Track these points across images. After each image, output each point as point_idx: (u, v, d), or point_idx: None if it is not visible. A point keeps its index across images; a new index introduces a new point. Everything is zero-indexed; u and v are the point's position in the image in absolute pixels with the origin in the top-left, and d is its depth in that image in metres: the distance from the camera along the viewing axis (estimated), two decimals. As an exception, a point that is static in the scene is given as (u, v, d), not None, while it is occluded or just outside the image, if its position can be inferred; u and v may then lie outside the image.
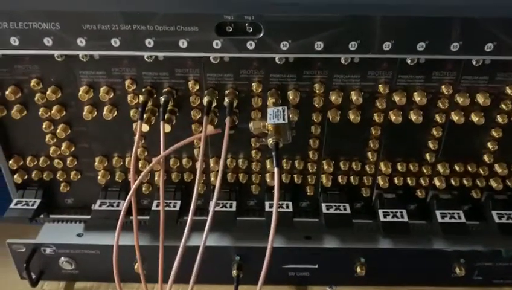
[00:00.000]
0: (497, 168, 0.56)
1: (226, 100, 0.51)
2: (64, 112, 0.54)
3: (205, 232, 0.44)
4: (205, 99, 0.50)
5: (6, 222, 0.58)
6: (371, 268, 0.60)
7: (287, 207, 0.58)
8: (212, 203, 0.44)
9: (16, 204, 0.59)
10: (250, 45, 0.47)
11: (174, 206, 0.58)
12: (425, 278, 0.62)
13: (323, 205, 0.58)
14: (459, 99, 0.51)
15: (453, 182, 0.58)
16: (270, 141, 0.45)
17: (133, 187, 0.47)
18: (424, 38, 0.46)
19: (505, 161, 0.56)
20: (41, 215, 0.61)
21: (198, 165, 0.45)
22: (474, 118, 0.52)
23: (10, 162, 0.58)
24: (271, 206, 0.58)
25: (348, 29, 0.46)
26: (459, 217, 0.58)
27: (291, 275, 0.62)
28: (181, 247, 0.44)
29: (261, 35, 0.46)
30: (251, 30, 0.47)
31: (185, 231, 0.44)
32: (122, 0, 0.46)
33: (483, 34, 0.46)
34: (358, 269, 0.60)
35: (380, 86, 0.51)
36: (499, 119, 0.53)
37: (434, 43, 0.47)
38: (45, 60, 0.50)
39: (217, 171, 0.56)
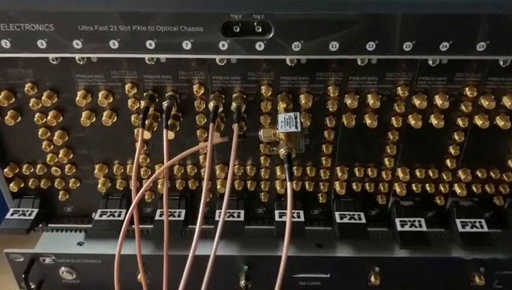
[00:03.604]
0: None
1: (234, 105, 0.48)
2: (61, 118, 0.52)
3: (214, 245, 0.41)
4: (211, 104, 0.48)
5: (3, 233, 0.56)
6: (385, 277, 0.59)
7: (298, 216, 0.55)
8: (221, 215, 0.42)
9: (12, 214, 0.57)
10: (260, 45, 0.44)
11: (179, 216, 0.56)
12: (443, 288, 0.60)
13: (337, 213, 0.56)
14: (484, 102, 0.48)
15: (474, 189, 0.55)
16: (282, 151, 0.42)
17: (134, 200, 0.45)
18: (447, 38, 0.43)
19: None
20: (39, 225, 0.59)
21: (204, 182, 0.42)
22: (500, 122, 0.49)
23: (5, 170, 0.56)
24: (281, 215, 0.56)
25: (366, 28, 0.43)
26: (481, 226, 0.55)
27: (302, 285, 0.61)
28: (189, 259, 0.42)
29: (271, 35, 0.44)
30: (260, 30, 0.44)
31: (193, 244, 0.42)
32: None
33: (513, 32, 0.43)
34: (373, 279, 0.58)
35: (398, 88, 0.48)
36: None
37: (458, 43, 0.43)
38: (40, 63, 0.48)
39: (224, 178, 0.54)
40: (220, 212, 0.55)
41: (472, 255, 0.57)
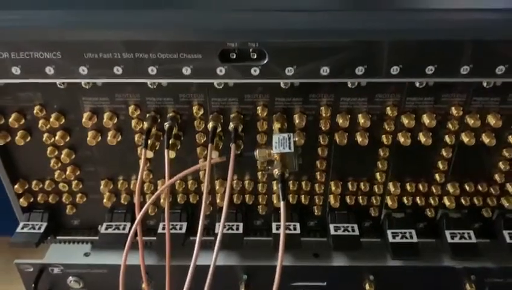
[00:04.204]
0: (510, 188, 0.55)
1: (231, 125, 0.50)
2: (68, 138, 0.54)
3: (213, 258, 0.44)
4: (210, 125, 0.50)
5: (13, 247, 0.58)
6: (380, 286, 0.60)
7: (295, 229, 0.57)
8: (220, 228, 0.44)
9: (22, 228, 0.59)
10: (255, 70, 0.46)
11: (180, 229, 0.58)
12: None
13: (331, 225, 0.58)
14: (470, 121, 0.50)
15: (463, 201, 0.57)
16: (276, 171, 0.45)
17: (138, 216, 0.47)
18: (433, 62, 0.45)
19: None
20: (48, 238, 0.61)
21: (203, 200, 0.45)
22: (486, 139, 0.51)
23: (16, 186, 0.57)
24: (278, 227, 0.57)
25: (355, 54, 0.45)
26: (469, 237, 0.57)
27: None
28: (190, 269, 0.44)
29: (266, 61, 0.45)
30: (255, 56, 0.45)
31: (193, 258, 0.44)
32: (123, 28, 0.46)
33: (494, 56, 0.45)
34: (367, 287, 0.60)
35: (388, 108, 0.50)
36: (511, 140, 0.52)
37: (443, 67, 0.45)
38: (48, 88, 0.50)
39: (223, 192, 0.56)
40: (218, 224, 0.58)
41: (462, 264, 0.59)
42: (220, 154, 0.50)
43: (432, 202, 0.57)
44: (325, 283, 0.61)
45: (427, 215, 0.59)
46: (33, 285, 0.60)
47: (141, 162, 0.50)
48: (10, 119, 0.52)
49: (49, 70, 0.47)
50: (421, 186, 0.56)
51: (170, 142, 0.50)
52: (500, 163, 0.54)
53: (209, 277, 0.44)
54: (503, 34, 0.44)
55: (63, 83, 0.49)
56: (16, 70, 0.47)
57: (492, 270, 0.59)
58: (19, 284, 0.61)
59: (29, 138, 0.54)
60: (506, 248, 0.57)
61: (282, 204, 0.43)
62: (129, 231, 0.51)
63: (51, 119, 0.52)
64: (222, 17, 0.46)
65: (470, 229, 0.58)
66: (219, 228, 0.44)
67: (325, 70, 0.46)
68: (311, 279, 0.61)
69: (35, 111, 0.52)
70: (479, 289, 0.60)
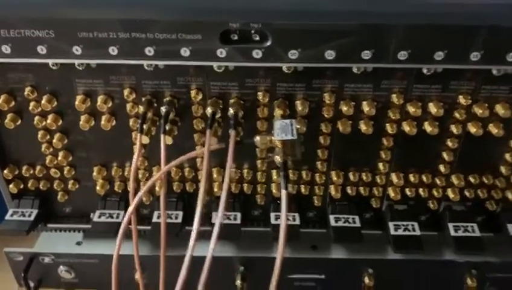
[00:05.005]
0: None
1: (231, 111, 0.49)
2: (61, 121, 0.53)
3: (210, 250, 0.42)
4: (208, 110, 0.49)
5: (2, 234, 0.57)
6: (379, 279, 0.60)
7: (294, 219, 0.56)
8: (217, 218, 0.42)
9: (11, 215, 0.58)
10: (257, 53, 0.45)
11: (176, 218, 0.57)
12: (436, 289, 0.61)
13: (331, 216, 0.57)
14: (478, 110, 0.49)
15: (467, 193, 0.56)
16: (278, 159, 0.43)
17: (132, 205, 0.45)
18: (442, 48, 0.44)
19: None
20: (39, 225, 0.60)
21: (200, 189, 0.43)
22: (493, 129, 0.50)
23: (5, 171, 0.57)
24: (276, 218, 0.57)
25: (362, 38, 0.44)
26: (473, 231, 0.56)
27: (296, 285, 0.62)
28: (186, 261, 0.43)
29: (269, 43, 0.44)
30: (258, 38, 0.44)
31: (189, 248, 0.43)
32: (120, 6, 0.44)
33: (506, 43, 0.44)
34: (367, 280, 0.59)
35: (393, 96, 0.49)
36: None
37: (453, 53, 0.44)
38: (39, 68, 0.49)
39: (221, 181, 0.55)
40: (215, 214, 0.56)
41: (464, 258, 0.58)
42: (218, 141, 0.48)
43: (436, 193, 0.56)
44: (323, 276, 0.61)
45: (430, 208, 0.58)
46: (23, 274, 0.59)
47: (136, 148, 0.48)
48: None
49: (41, 49, 0.45)
50: (424, 178, 0.55)
51: (167, 127, 0.49)
52: (507, 155, 0.53)
53: (205, 267, 0.43)
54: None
55: (56, 64, 0.48)
56: (5, 48, 0.45)
57: (494, 265, 0.59)
58: (8, 272, 0.61)
59: (19, 121, 0.53)
60: (510, 242, 0.56)
61: (283, 193, 0.41)
62: (123, 220, 0.50)
63: (43, 102, 0.51)
64: None
65: (474, 222, 0.57)
66: (217, 218, 0.43)
67: (330, 54, 0.44)
68: (309, 271, 0.61)
69: (26, 93, 0.51)
70: (480, 284, 0.59)
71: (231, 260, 0.59)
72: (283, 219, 0.40)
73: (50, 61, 0.47)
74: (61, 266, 0.61)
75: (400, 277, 0.60)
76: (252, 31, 0.44)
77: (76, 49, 0.45)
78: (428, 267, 0.59)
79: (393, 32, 0.43)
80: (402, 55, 0.44)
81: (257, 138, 0.46)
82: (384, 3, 0.44)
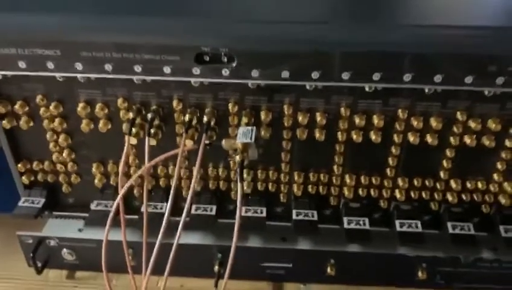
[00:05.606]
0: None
1: (205, 118, 0.56)
2: (65, 124, 0.59)
3: (179, 229, 0.50)
4: (186, 118, 0.56)
5: (15, 217, 0.64)
6: (340, 268, 0.65)
7: (261, 212, 0.63)
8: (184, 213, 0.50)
9: (23, 202, 0.64)
10: (225, 72, 0.52)
11: (161, 208, 0.64)
12: (391, 279, 0.67)
13: (294, 211, 0.63)
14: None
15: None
16: (237, 158, 0.51)
17: (120, 193, 0.53)
18: (379, 69, 0.51)
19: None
20: (46, 213, 0.66)
21: (174, 179, 0.51)
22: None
23: (19, 165, 0.63)
24: (246, 211, 0.63)
25: (311, 61, 0.51)
26: (417, 227, 0.62)
27: (268, 273, 0.66)
28: (157, 242, 0.50)
29: (235, 64, 0.51)
30: (226, 60, 0.51)
31: (160, 231, 0.51)
32: (114, 32, 0.52)
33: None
34: (329, 269, 0.65)
35: (342, 109, 0.56)
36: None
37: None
38: (48, 80, 0.55)
39: (201, 178, 0.63)
40: (196, 207, 0.63)
41: (414, 253, 0.63)
42: (194, 144, 0.56)
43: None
44: (291, 265, 0.66)
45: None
46: (31, 255, 0.64)
47: (124, 149, 0.55)
48: (16, 106, 0.57)
49: (50, 65, 0.52)
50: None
51: (152, 131, 0.56)
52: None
53: (173, 248, 0.50)
54: (439, 48, 0.50)
55: (62, 77, 0.54)
56: (21, 64, 0.52)
57: (440, 259, 0.64)
58: (20, 254, 0.66)
59: (31, 123, 0.59)
60: (450, 238, 0.62)
61: (239, 185, 0.49)
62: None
63: (51, 108, 0.57)
64: (198, 25, 0.52)
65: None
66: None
67: (285, 73, 0.52)
68: (278, 260, 0.66)
69: (37, 100, 0.57)
70: (430, 276, 0.64)
71: (210, 248, 0.64)
72: (238, 207, 0.48)
73: (57, 75, 0.53)
74: (64, 249, 0.65)
75: (357, 267, 0.65)
76: (221, 54, 0.51)
77: (78, 66, 0.52)
78: (381, 259, 0.64)
79: (335, 57, 0.51)
80: (345, 75, 0.51)
81: (223, 141, 0.54)
82: (328, 33, 0.51)
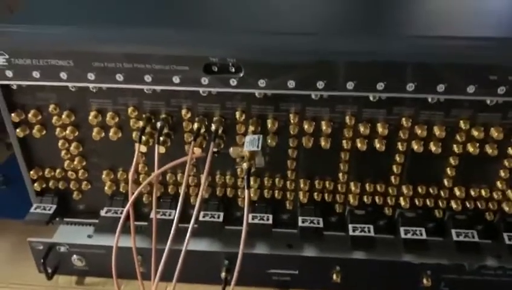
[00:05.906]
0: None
1: (213, 127, 0.57)
2: (77, 133, 0.60)
3: (187, 236, 0.51)
4: (195, 126, 0.57)
5: (27, 223, 0.65)
6: (345, 275, 0.66)
7: (267, 219, 0.64)
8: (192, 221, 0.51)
9: (35, 209, 0.65)
10: (233, 81, 0.54)
11: (170, 215, 0.65)
12: (396, 286, 0.68)
13: (300, 218, 0.64)
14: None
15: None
16: (244, 165, 0.53)
17: (130, 199, 0.55)
18: (382, 79, 0.53)
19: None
20: (57, 219, 0.68)
21: (183, 186, 0.53)
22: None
23: (31, 172, 0.64)
24: (253, 218, 0.64)
25: (315, 71, 0.52)
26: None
27: (274, 279, 0.67)
28: (166, 249, 0.51)
29: (242, 74, 0.53)
30: (233, 70, 0.53)
31: (169, 238, 0.52)
32: (125, 43, 0.54)
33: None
34: (334, 276, 0.66)
35: (347, 117, 0.57)
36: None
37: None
38: (61, 90, 0.57)
39: (209, 185, 0.64)
40: (203, 213, 0.65)
41: (419, 260, 0.64)
42: (202, 151, 0.57)
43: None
44: (297, 271, 0.67)
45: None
46: (42, 261, 0.66)
47: (135, 157, 0.57)
48: (29, 115, 0.59)
49: (63, 75, 0.54)
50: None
51: (161, 139, 0.57)
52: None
53: (182, 254, 0.50)
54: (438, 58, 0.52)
55: (74, 86, 0.56)
56: (36, 74, 0.54)
57: (445, 266, 0.64)
58: (31, 260, 0.67)
59: (44, 132, 0.60)
60: (455, 246, 0.63)
61: (246, 192, 0.50)
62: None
63: (63, 116, 0.58)
64: (206, 37, 0.54)
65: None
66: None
67: (291, 83, 0.53)
68: (284, 267, 0.66)
69: (50, 109, 0.59)
70: (435, 284, 0.65)
71: (217, 255, 0.65)
72: (246, 213, 0.50)
73: (70, 84, 0.55)
74: (74, 255, 0.66)
75: (362, 274, 0.66)
76: (229, 64, 0.53)
77: (91, 76, 0.54)
78: (386, 267, 0.65)
79: (340, 66, 0.52)
80: (350, 84, 0.53)
81: (231, 149, 0.55)
82: (333, 44, 0.53)
